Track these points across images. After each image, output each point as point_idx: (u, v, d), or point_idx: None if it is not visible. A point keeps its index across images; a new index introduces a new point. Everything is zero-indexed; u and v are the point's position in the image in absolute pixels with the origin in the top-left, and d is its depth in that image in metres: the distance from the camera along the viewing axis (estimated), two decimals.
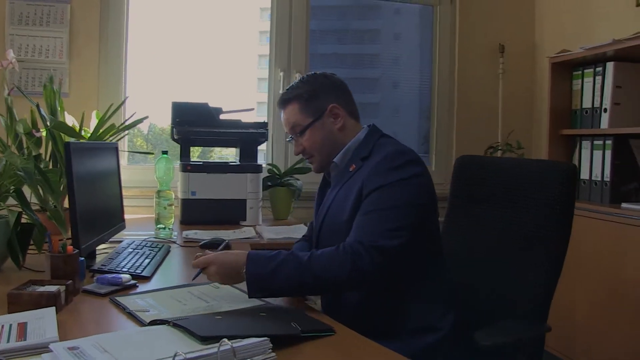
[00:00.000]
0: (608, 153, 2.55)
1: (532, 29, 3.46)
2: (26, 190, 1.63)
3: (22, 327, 1.00)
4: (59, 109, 2.13)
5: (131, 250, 1.70)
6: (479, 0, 3.39)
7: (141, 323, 1.09)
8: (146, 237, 2.03)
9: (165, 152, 2.33)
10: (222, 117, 2.61)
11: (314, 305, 1.32)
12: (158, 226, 2.24)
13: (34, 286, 1.21)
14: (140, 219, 2.50)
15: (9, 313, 1.10)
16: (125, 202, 2.04)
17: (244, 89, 3.27)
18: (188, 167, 2.44)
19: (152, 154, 2.62)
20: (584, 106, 2.72)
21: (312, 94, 1.50)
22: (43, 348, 0.91)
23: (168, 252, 1.81)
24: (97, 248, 1.66)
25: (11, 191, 1.53)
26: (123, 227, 1.90)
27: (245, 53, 3.26)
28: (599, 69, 2.63)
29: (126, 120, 2.40)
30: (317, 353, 1.00)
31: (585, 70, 2.71)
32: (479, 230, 1.66)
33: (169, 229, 2.24)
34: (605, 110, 2.59)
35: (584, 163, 2.67)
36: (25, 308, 1.11)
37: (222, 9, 3.18)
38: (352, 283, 1.28)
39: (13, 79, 2.59)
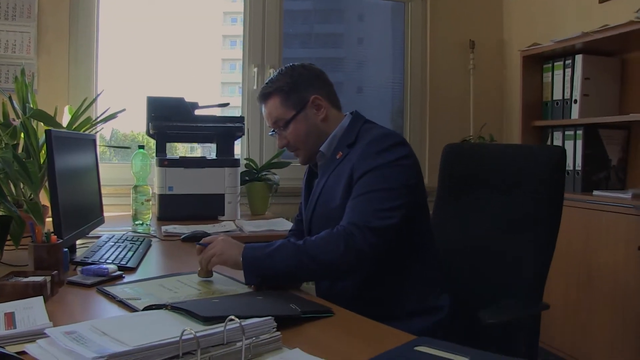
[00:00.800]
0: (579, 143, 2.62)
1: (501, 25, 3.53)
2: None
3: (10, 317, 0.96)
4: (32, 102, 2.06)
5: (112, 243, 1.65)
6: None
7: (134, 310, 1.06)
8: (124, 232, 1.98)
9: (141, 147, 2.28)
10: (197, 112, 2.56)
11: (309, 292, 1.30)
12: (136, 222, 2.19)
13: (17, 277, 1.16)
14: (116, 216, 2.44)
15: None
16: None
17: (211, 82, 3.23)
18: (165, 162, 2.39)
19: (129, 147, 2.56)
20: (554, 98, 2.79)
21: (293, 86, 1.48)
22: (36, 335, 0.87)
23: (150, 245, 1.77)
24: (76, 243, 1.61)
25: None
26: (102, 222, 1.86)
27: (211, 34, 3.19)
28: (569, 61, 2.70)
29: (99, 116, 2.34)
30: (319, 332, 0.99)
31: (555, 63, 2.78)
32: (471, 217, 1.68)
33: (147, 224, 2.20)
34: (575, 101, 2.66)
35: None
36: (10, 299, 1.06)
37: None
38: (347, 264, 1.27)
39: None
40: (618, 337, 2.25)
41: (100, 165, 2.65)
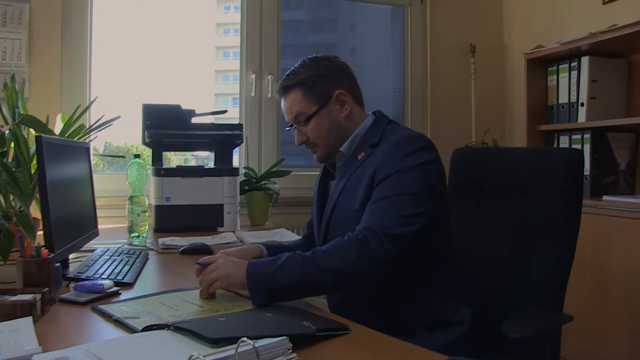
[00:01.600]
0: (587, 147, 2.55)
1: (501, 29, 3.48)
2: None
3: None
4: (22, 109, 1.97)
5: (107, 257, 1.56)
6: (449, 1, 3.38)
7: (133, 331, 0.97)
8: (120, 245, 1.89)
9: (137, 156, 2.19)
10: (194, 120, 2.48)
11: (321, 306, 1.21)
12: (132, 234, 2.10)
13: (4, 296, 1.07)
14: (111, 228, 2.34)
15: None
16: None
17: (205, 94, 3.17)
18: (161, 171, 2.30)
19: (124, 157, 2.48)
20: (560, 101, 2.73)
21: (317, 80, 1.40)
22: None
23: (147, 259, 1.68)
24: (68, 258, 1.52)
25: None
26: (96, 234, 1.76)
27: (204, 45, 3.14)
28: (574, 63, 2.64)
29: (93, 125, 2.25)
30: (337, 351, 0.91)
31: (560, 66, 2.72)
32: (484, 223, 1.61)
33: (143, 236, 2.10)
34: (582, 104, 2.60)
35: None
36: None
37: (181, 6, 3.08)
38: (359, 272, 1.19)
39: None
40: (637, 346, 2.17)
41: (94, 175, 2.58)
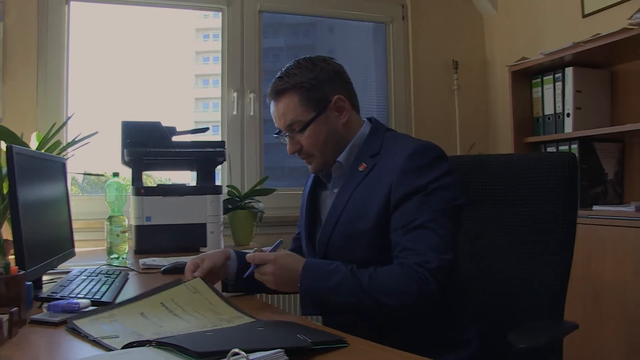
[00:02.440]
0: None
1: (483, 44, 3.49)
2: None
3: None
4: None
5: (84, 277, 1.46)
6: (430, 17, 3.39)
7: (111, 350, 0.88)
8: (98, 266, 1.79)
9: (116, 174, 2.11)
10: (174, 139, 2.41)
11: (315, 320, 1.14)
12: (111, 256, 2.01)
13: None
14: (89, 251, 2.24)
15: None
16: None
17: (185, 98, 3.11)
18: (142, 190, 2.21)
19: (103, 175, 2.39)
20: (546, 113, 2.72)
21: (315, 83, 1.29)
22: None
23: (127, 278, 1.58)
24: (42, 278, 1.42)
25: None
26: (72, 255, 1.67)
27: (183, 72, 3.11)
28: (558, 75, 2.64)
29: (70, 142, 2.17)
30: None
31: (545, 77, 2.72)
32: (479, 233, 1.55)
33: (123, 258, 2.01)
34: (568, 115, 2.59)
35: None
36: None
37: (160, 28, 3.04)
38: (414, 310, 1.13)
39: None
40: (632, 352, 2.11)
41: (72, 197, 2.49)
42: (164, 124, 2.36)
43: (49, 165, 1.52)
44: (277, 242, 1.29)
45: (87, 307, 1.14)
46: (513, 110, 2.79)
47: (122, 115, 2.39)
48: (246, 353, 0.66)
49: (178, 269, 1.71)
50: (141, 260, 1.93)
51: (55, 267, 1.49)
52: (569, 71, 2.58)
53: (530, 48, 2.92)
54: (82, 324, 1.02)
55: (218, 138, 2.94)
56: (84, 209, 2.52)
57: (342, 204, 1.27)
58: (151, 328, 1.00)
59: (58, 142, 1.89)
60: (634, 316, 2.12)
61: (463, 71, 3.39)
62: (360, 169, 1.28)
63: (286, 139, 1.34)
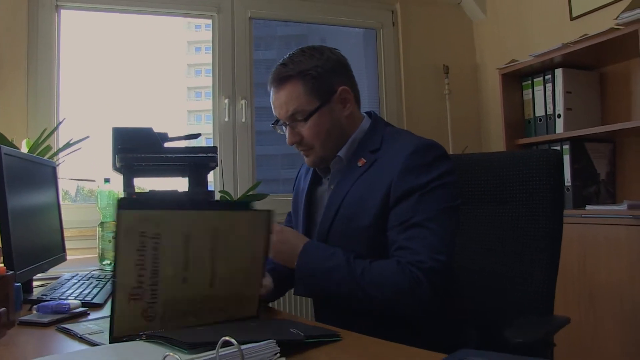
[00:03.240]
0: (566, 158, 2.54)
1: (473, 48, 3.52)
2: None
3: None
4: None
5: (76, 281, 1.45)
6: (420, 23, 3.41)
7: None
8: (89, 271, 1.77)
9: (107, 180, 2.09)
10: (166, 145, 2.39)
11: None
12: (103, 262, 1.98)
13: None
14: (81, 258, 2.22)
15: None
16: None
17: (178, 111, 3.11)
18: (133, 196, 2.19)
19: (94, 180, 2.37)
20: (537, 114, 2.73)
21: (321, 72, 1.24)
22: None
23: None
24: (32, 282, 1.40)
25: None
26: (64, 259, 1.65)
27: (175, 85, 3.11)
28: (548, 76, 2.66)
29: (60, 150, 2.16)
30: (329, 358, 0.82)
31: (535, 79, 2.73)
32: (466, 234, 1.54)
33: None
34: (559, 115, 2.60)
35: None
36: None
37: (151, 38, 3.05)
38: (409, 311, 1.11)
39: None
40: (627, 351, 2.11)
41: (63, 205, 2.47)
42: (158, 124, 2.35)
43: (39, 169, 1.51)
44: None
45: (77, 307, 1.12)
46: (504, 112, 2.80)
47: (114, 122, 2.38)
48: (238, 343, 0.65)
49: None
50: None
51: (46, 270, 1.47)
52: (558, 72, 2.60)
53: (519, 51, 2.94)
54: (71, 326, 1.01)
55: (211, 127, 2.95)
56: (75, 217, 2.50)
57: (340, 200, 1.24)
58: None
59: (48, 147, 1.88)
60: (629, 314, 2.12)
61: (454, 75, 3.41)
62: (359, 164, 1.25)
63: (285, 129, 1.30)
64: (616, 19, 2.20)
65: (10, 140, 1.84)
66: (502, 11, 3.30)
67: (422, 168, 1.17)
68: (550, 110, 2.65)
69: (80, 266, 1.95)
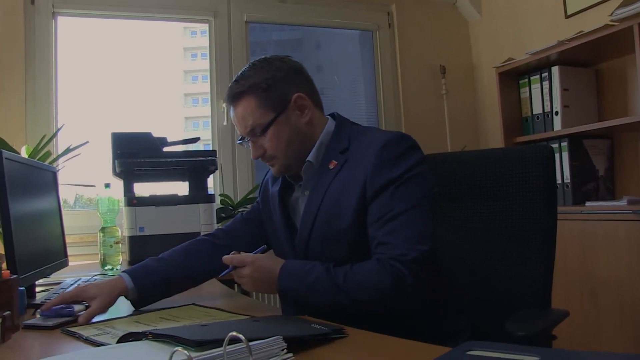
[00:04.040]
0: (565, 155, 2.54)
1: (469, 48, 3.53)
2: None
3: None
4: None
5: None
6: (417, 24, 3.43)
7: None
8: (92, 276, 1.78)
9: (108, 185, 2.10)
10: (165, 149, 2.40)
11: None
12: (105, 268, 1.99)
13: None
14: (83, 264, 2.22)
15: None
16: None
17: (175, 117, 3.12)
18: (133, 200, 2.20)
19: (94, 186, 2.38)
20: (534, 112, 2.74)
21: (271, 83, 1.23)
22: None
23: None
24: (35, 286, 1.40)
25: None
26: (66, 264, 1.65)
27: (172, 91, 3.12)
28: (545, 74, 2.67)
29: (60, 155, 2.17)
30: (335, 355, 0.82)
31: (532, 77, 2.74)
32: (461, 230, 1.54)
33: (117, 269, 1.99)
34: (557, 113, 2.61)
35: None
36: None
37: (148, 44, 3.06)
38: (394, 307, 1.11)
39: None
40: (628, 346, 2.11)
41: (64, 212, 2.47)
42: (156, 131, 2.36)
43: (40, 174, 1.51)
44: (261, 247, 1.28)
45: (81, 311, 1.12)
46: (502, 111, 2.81)
47: (113, 128, 2.39)
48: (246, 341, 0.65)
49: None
50: None
51: (49, 275, 1.47)
52: (555, 70, 2.61)
53: (516, 49, 2.96)
54: (75, 328, 1.01)
55: (209, 132, 2.95)
56: (76, 223, 2.51)
57: (316, 205, 1.22)
58: (145, 328, 0.98)
59: (48, 153, 1.88)
60: (629, 308, 2.12)
61: (451, 75, 3.42)
62: (331, 166, 1.24)
63: (249, 144, 1.28)
64: (611, 15, 2.22)
65: (11, 145, 1.84)
66: (498, 10, 3.31)
67: (395, 161, 1.16)
68: (547, 108, 2.66)
69: (83, 272, 1.95)
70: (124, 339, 0.81)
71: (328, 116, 1.35)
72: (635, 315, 2.11)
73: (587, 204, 2.38)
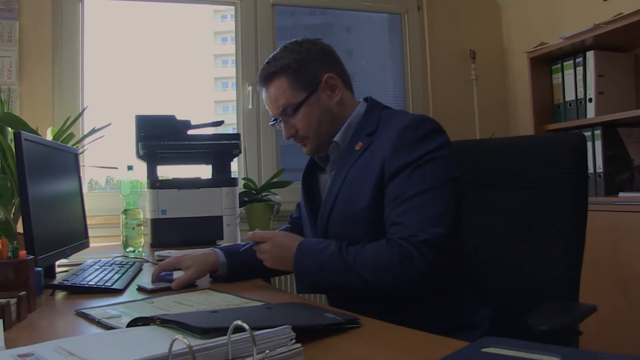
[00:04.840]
0: (598, 144, 2.45)
1: (500, 32, 3.43)
2: None
3: None
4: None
5: (98, 267, 1.46)
6: (446, 7, 3.34)
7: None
8: (112, 258, 1.79)
9: (130, 167, 2.10)
10: (189, 132, 2.39)
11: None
12: (127, 249, 2.00)
13: None
14: (105, 246, 2.24)
15: None
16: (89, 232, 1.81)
17: (204, 101, 3.11)
18: (156, 183, 2.20)
19: (117, 168, 2.39)
20: (567, 99, 2.65)
21: (302, 64, 1.26)
22: None
23: (140, 269, 1.57)
24: (55, 267, 1.41)
25: None
26: (86, 245, 1.66)
27: (201, 75, 3.10)
28: (579, 59, 2.57)
29: (83, 137, 2.18)
30: (349, 346, 0.80)
31: (565, 63, 2.65)
32: (486, 218, 1.51)
33: (139, 251, 2.00)
34: (590, 100, 2.51)
35: None
36: None
37: (176, 13, 3.04)
38: (402, 288, 1.09)
39: None
40: None
41: (89, 194, 2.49)
42: (184, 114, 2.36)
43: (62, 156, 1.52)
44: (284, 226, 1.32)
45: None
46: (533, 97, 2.72)
47: (141, 112, 2.39)
48: (251, 329, 0.63)
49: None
50: (156, 253, 1.92)
51: (68, 256, 1.48)
52: (590, 55, 2.51)
53: (549, 33, 2.85)
54: (89, 310, 1.00)
55: (235, 117, 2.94)
56: (100, 204, 2.53)
57: (338, 185, 1.23)
58: (158, 312, 0.97)
59: (71, 135, 1.89)
60: None
61: (481, 60, 3.33)
62: (357, 148, 1.24)
63: (281, 124, 1.32)
64: None
65: (35, 129, 1.85)
66: None
67: (415, 143, 1.14)
68: (581, 95, 2.56)
69: (105, 253, 1.97)
70: (132, 323, 0.80)
71: (362, 100, 1.36)
72: None
73: (621, 194, 2.29)
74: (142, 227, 2.05)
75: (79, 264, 1.58)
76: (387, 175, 1.15)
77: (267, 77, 1.29)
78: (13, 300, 0.95)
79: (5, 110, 1.92)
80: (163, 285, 1.24)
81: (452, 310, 1.19)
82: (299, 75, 1.26)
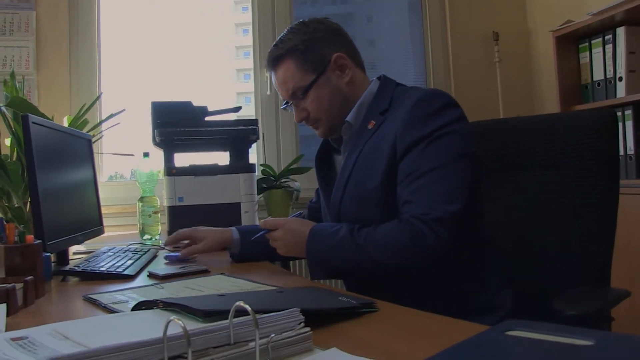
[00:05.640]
0: (629, 125, 2.35)
1: (524, 12, 3.31)
2: None
3: None
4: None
5: (112, 254, 1.44)
6: None
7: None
8: (128, 245, 1.77)
9: (146, 154, 2.08)
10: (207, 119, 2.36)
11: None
12: (144, 237, 1.98)
13: None
14: (122, 234, 2.24)
15: None
16: (106, 220, 1.80)
17: (226, 93, 3.08)
18: (173, 170, 2.17)
19: (133, 155, 2.38)
20: (595, 79, 2.54)
21: (310, 44, 1.22)
22: None
23: (155, 256, 1.55)
24: (68, 254, 1.40)
25: None
26: (101, 232, 1.64)
27: (224, 66, 3.08)
28: (608, 36, 2.46)
29: (98, 123, 2.17)
30: (361, 330, 0.75)
31: (593, 41, 2.54)
32: (510, 200, 1.44)
33: (156, 239, 1.98)
34: (621, 78, 2.41)
35: None
36: None
37: (196, 5, 3.01)
38: (414, 269, 1.05)
39: None
40: None
41: (106, 184, 2.49)
42: (206, 104, 2.33)
43: (74, 141, 1.49)
44: (297, 213, 1.27)
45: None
46: (559, 78, 2.62)
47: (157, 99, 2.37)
48: (255, 312, 0.59)
49: None
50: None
51: (81, 242, 1.46)
52: (620, 31, 2.40)
53: (575, 10, 2.74)
54: (97, 296, 0.98)
55: (253, 108, 2.91)
56: (118, 194, 2.53)
57: (351, 166, 1.20)
58: (165, 296, 0.94)
59: (86, 121, 1.87)
60: None
61: (504, 42, 3.23)
62: (369, 127, 1.20)
63: (291, 108, 1.29)
64: None
65: (50, 117, 1.84)
66: None
67: (427, 118, 1.10)
68: (610, 74, 2.46)
69: (120, 241, 1.96)
70: (136, 307, 0.76)
71: (375, 78, 1.31)
72: None
73: None
74: (159, 215, 2.03)
75: (92, 251, 1.56)
76: (399, 152, 1.11)
77: (274, 60, 1.27)
78: (19, 285, 0.92)
79: (19, 92, 1.91)
80: (176, 271, 1.22)
81: (472, 292, 1.14)
82: (306, 57, 1.23)
